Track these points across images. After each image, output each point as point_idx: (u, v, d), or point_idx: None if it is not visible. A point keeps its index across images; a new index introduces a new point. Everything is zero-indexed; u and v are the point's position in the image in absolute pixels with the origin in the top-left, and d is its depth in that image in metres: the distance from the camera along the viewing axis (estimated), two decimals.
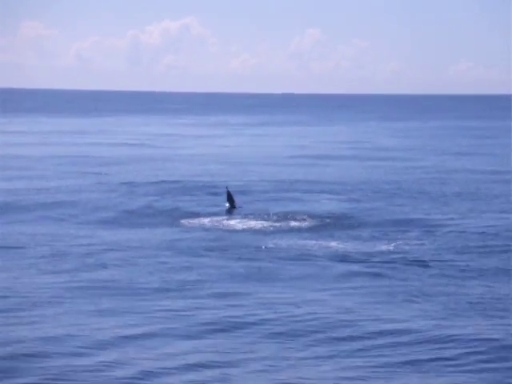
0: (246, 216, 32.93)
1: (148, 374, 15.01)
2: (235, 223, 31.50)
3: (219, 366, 15.43)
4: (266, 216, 32.67)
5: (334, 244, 27.10)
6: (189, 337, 17.17)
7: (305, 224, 31.28)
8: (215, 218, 32.55)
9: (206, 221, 32.10)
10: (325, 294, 20.89)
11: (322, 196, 39.23)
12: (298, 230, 30.25)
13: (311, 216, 32.46)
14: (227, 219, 32.36)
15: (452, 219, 32.27)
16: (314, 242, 27.56)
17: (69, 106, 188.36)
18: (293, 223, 31.42)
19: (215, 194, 38.67)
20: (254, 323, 18.15)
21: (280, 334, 17.42)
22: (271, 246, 26.88)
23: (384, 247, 26.48)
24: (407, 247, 26.50)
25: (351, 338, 17.09)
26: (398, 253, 25.62)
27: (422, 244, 27.14)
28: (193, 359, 15.76)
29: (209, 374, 15.12)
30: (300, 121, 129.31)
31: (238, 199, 36.02)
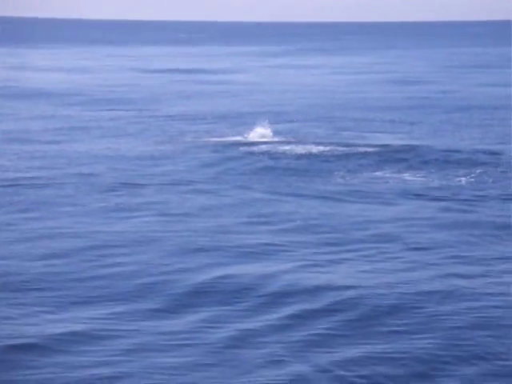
0: (306, 142, 32.46)
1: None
2: (300, 150, 31.09)
3: None
4: (326, 145, 31.89)
5: (408, 177, 26.32)
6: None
7: (369, 155, 30.31)
8: (271, 146, 32.08)
9: (263, 147, 31.71)
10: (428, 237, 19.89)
11: (381, 128, 38.39)
12: (364, 160, 29.35)
13: (373, 146, 31.66)
14: (286, 145, 32.02)
15: None
16: (382, 173, 26.85)
17: (88, 36, 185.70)
18: (357, 153, 30.55)
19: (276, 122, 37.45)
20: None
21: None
22: (340, 180, 26.02)
23: (463, 180, 25.73)
24: (490, 179, 25.72)
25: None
26: (480, 183, 24.91)
27: (503, 173, 26.29)
28: None
29: None
30: (321, 49, 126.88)
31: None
